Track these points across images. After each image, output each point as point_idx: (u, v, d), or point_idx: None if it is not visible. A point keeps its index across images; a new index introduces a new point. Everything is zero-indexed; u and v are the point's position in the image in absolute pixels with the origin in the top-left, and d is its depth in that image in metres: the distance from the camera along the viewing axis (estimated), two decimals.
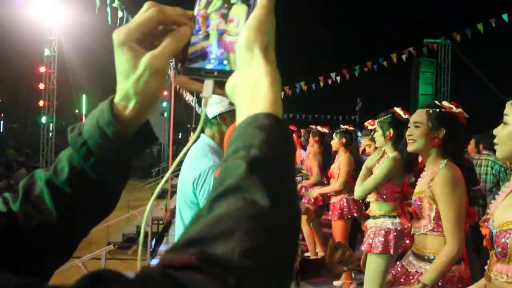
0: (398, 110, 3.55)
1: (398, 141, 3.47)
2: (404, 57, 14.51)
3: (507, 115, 1.77)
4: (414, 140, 2.51)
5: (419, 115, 2.52)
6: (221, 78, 0.65)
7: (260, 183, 0.48)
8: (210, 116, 2.39)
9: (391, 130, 3.50)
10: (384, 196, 3.55)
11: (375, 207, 3.68)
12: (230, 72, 0.64)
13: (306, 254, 6.33)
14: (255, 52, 0.60)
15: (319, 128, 6.32)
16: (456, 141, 2.50)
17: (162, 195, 13.34)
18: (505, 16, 12.29)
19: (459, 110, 2.48)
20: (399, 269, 2.64)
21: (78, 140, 0.68)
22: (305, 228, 6.19)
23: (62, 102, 16.76)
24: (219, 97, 2.37)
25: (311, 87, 16.64)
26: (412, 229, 2.63)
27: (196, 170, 2.22)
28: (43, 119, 15.20)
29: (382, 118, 3.57)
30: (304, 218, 5.91)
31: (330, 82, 15.92)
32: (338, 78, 15.71)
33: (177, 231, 2.44)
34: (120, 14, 9.25)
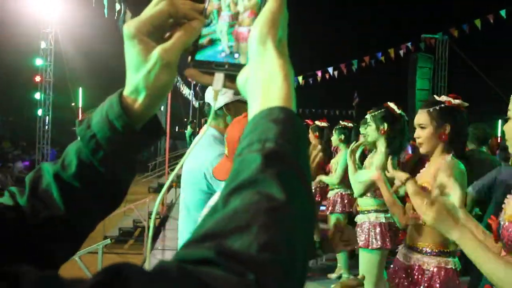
0: (391, 104, 3.58)
1: (391, 135, 3.50)
2: (401, 52, 14.50)
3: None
4: (423, 142, 2.54)
5: (422, 116, 2.53)
6: (231, 71, 0.64)
7: (276, 177, 0.47)
8: (215, 108, 2.39)
9: (385, 124, 3.52)
10: (377, 191, 3.55)
11: (366, 202, 3.71)
12: (240, 66, 0.63)
13: None
14: (268, 46, 0.59)
15: (317, 122, 6.28)
16: (462, 133, 2.53)
17: (159, 189, 13.33)
18: (502, 12, 12.29)
19: (458, 101, 2.50)
20: (397, 264, 2.66)
21: (87, 133, 0.67)
22: None
23: (58, 95, 16.69)
24: (223, 88, 2.36)
25: (308, 81, 16.63)
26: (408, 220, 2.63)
27: (206, 161, 2.23)
28: (39, 112, 15.15)
29: (376, 112, 3.59)
30: None
31: (327, 76, 15.92)
32: (336, 72, 15.70)
33: (182, 222, 2.44)
34: (117, 7, 9.21)
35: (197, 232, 0.45)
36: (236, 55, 0.65)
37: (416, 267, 2.49)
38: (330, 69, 15.78)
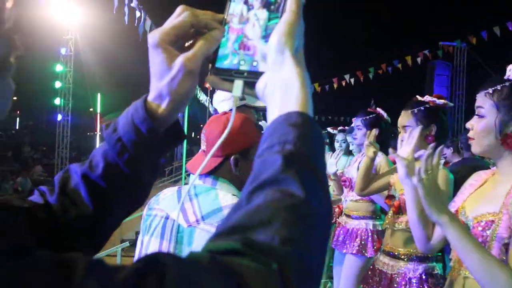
0: (380, 110, 3.67)
1: (382, 140, 3.52)
2: (419, 59, 14.42)
3: (482, 107, 1.64)
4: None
5: (406, 117, 2.47)
6: (250, 78, 0.68)
7: (296, 176, 0.51)
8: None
9: (376, 130, 3.54)
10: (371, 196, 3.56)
11: (357, 206, 3.70)
12: (259, 73, 0.67)
13: None
14: (286, 55, 0.62)
15: (329, 129, 6.28)
16: (445, 133, 2.47)
17: None
18: None
19: (443, 101, 2.45)
20: (373, 272, 2.59)
21: (113, 136, 0.71)
22: None
23: (77, 100, 16.94)
24: (229, 94, 2.40)
25: (324, 88, 16.62)
26: (386, 225, 2.56)
27: None
28: (59, 117, 15.38)
29: (367, 117, 3.66)
30: None
31: (343, 83, 15.89)
32: (352, 80, 15.67)
33: None
34: (137, 14, 9.33)
35: (223, 226, 0.49)
36: (254, 63, 0.68)
37: (401, 276, 2.40)
38: (347, 76, 15.76)
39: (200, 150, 1.73)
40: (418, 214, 1.81)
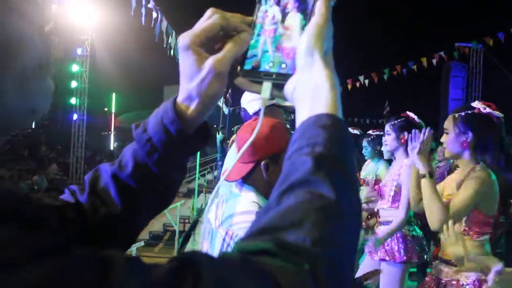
0: (410, 114, 3.59)
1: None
2: (434, 61, 14.31)
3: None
4: (445, 147, 2.51)
5: (448, 121, 2.50)
6: (279, 80, 0.68)
7: (326, 178, 0.52)
8: (250, 113, 2.46)
9: (406, 133, 3.51)
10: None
11: (389, 213, 3.62)
12: (287, 75, 0.67)
13: None
14: (315, 57, 0.63)
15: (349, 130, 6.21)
16: (486, 144, 2.39)
17: (189, 194, 13.46)
18: None
19: (489, 110, 2.39)
20: (430, 279, 2.59)
21: (143, 136, 0.72)
22: None
23: (92, 100, 17.08)
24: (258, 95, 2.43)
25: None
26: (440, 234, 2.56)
27: None
28: (75, 116, 15.52)
29: (396, 122, 3.60)
30: None
31: (358, 85, 15.83)
32: (367, 81, 15.60)
33: None
34: (154, 15, 9.39)
35: (254, 227, 0.50)
36: (283, 65, 0.69)
37: (454, 283, 2.41)
38: (361, 78, 15.69)
39: None
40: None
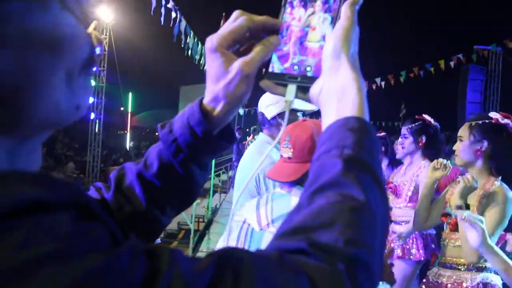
0: (427, 117, 3.56)
1: (429, 148, 3.47)
2: (452, 63, 14.17)
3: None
4: (457, 154, 2.48)
5: (463, 128, 2.48)
6: (304, 83, 0.69)
7: (356, 180, 0.53)
8: (268, 117, 2.48)
9: (424, 137, 3.49)
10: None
11: (403, 213, 3.60)
12: (312, 78, 0.68)
13: None
14: (342, 60, 0.63)
15: None
16: (502, 154, 2.36)
17: (203, 193, 13.50)
18: None
19: (507, 120, 2.35)
20: (426, 285, 2.56)
21: (169, 137, 0.73)
22: None
23: (109, 99, 17.24)
24: (275, 98, 2.46)
25: None
26: (445, 241, 2.53)
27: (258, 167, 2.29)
28: (92, 115, 15.68)
29: (413, 125, 3.57)
30: None
31: (374, 87, 15.74)
32: (383, 83, 15.50)
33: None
34: (173, 15, 9.45)
35: (286, 226, 0.50)
36: (308, 68, 0.69)
37: (458, 285, 2.37)
38: (378, 80, 15.59)
39: (280, 158, 1.75)
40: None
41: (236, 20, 0.69)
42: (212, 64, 0.69)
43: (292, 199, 1.61)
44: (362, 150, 0.56)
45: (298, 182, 1.63)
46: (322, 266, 0.44)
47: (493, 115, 2.41)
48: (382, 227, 0.53)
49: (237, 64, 0.67)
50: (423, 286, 2.60)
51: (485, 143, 2.37)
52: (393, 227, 3.70)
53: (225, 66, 0.68)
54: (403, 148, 3.70)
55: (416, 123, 3.58)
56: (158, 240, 5.96)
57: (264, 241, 1.60)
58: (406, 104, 19.46)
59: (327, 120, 0.62)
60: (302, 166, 1.61)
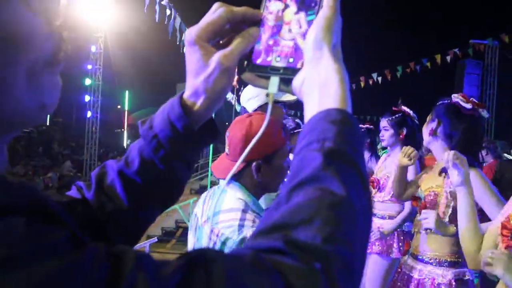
0: (405, 108, 3.60)
1: (410, 140, 3.47)
2: (448, 58, 14.15)
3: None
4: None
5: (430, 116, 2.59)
6: (286, 75, 0.67)
7: (336, 174, 0.50)
8: (250, 110, 2.44)
9: (405, 129, 3.51)
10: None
11: (385, 207, 3.62)
12: (295, 70, 0.66)
13: None
14: (324, 50, 0.62)
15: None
16: (449, 132, 2.42)
17: (201, 191, 13.51)
18: None
19: (465, 104, 2.41)
20: (402, 277, 2.55)
21: (149, 133, 0.72)
22: None
23: (105, 97, 17.20)
24: (256, 91, 2.43)
25: (351, 87, 16.39)
26: (415, 228, 2.53)
27: None
28: (89, 114, 15.64)
29: (393, 117, 3.59)
30: None
31: (371, 82, 15.71)
32: (380, 78, 15.47)
33: None
34: (168, 12, 9.41)
35: (263, 225, 0.48)
36: (290, 60, 0.67)
37: (429, 281, 2.35)
38: (374, 75, 15.57)
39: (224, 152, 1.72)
40: (466, 226, 1.90)
41: (215, 12, 0.67)
42: (191, 58, 0.67)
43: (227, 195, 1.54)
44: (344, 142, 0.54)
45: (237, 179, 1.58)
46: (298, 265, 0.42)
47: (455, 97, 2.46)
48: (364, 221, 0.51)
49: (216, 57, 0.66)
50: (396, 275, 2.61)
51: (435, 122, 2.45)
52: (374, 221, 3.71)
53: (205, 59, 0.66)
54: (382, 141, 3.72)
55: (396, 115, 3.59)
56: (156, 239, 5.96)
57: (202, 237, 1.54)
58: (403, 99, 19.45)
59: (309, 112, 0.60)
60: (233, 165, 1.52)
